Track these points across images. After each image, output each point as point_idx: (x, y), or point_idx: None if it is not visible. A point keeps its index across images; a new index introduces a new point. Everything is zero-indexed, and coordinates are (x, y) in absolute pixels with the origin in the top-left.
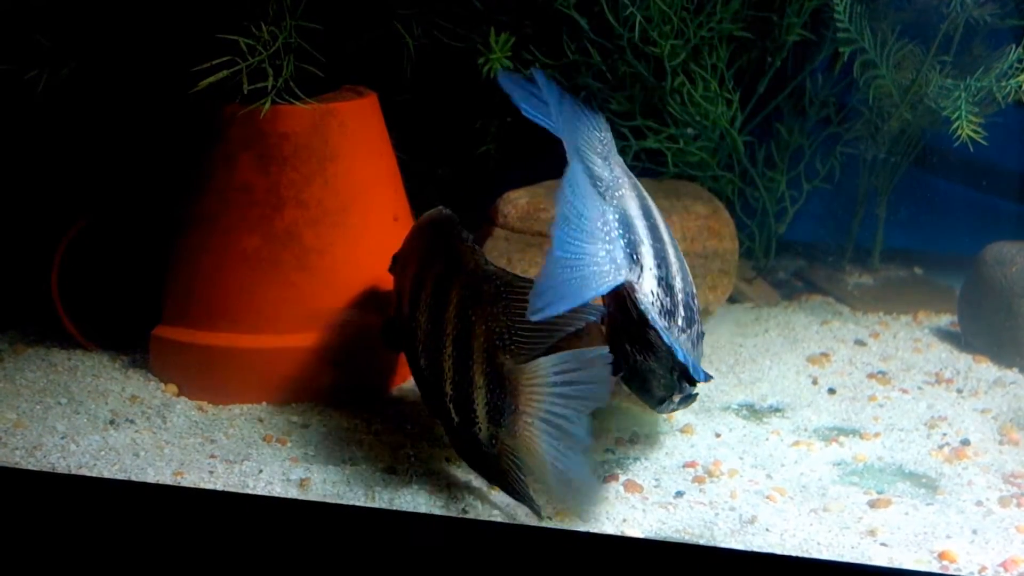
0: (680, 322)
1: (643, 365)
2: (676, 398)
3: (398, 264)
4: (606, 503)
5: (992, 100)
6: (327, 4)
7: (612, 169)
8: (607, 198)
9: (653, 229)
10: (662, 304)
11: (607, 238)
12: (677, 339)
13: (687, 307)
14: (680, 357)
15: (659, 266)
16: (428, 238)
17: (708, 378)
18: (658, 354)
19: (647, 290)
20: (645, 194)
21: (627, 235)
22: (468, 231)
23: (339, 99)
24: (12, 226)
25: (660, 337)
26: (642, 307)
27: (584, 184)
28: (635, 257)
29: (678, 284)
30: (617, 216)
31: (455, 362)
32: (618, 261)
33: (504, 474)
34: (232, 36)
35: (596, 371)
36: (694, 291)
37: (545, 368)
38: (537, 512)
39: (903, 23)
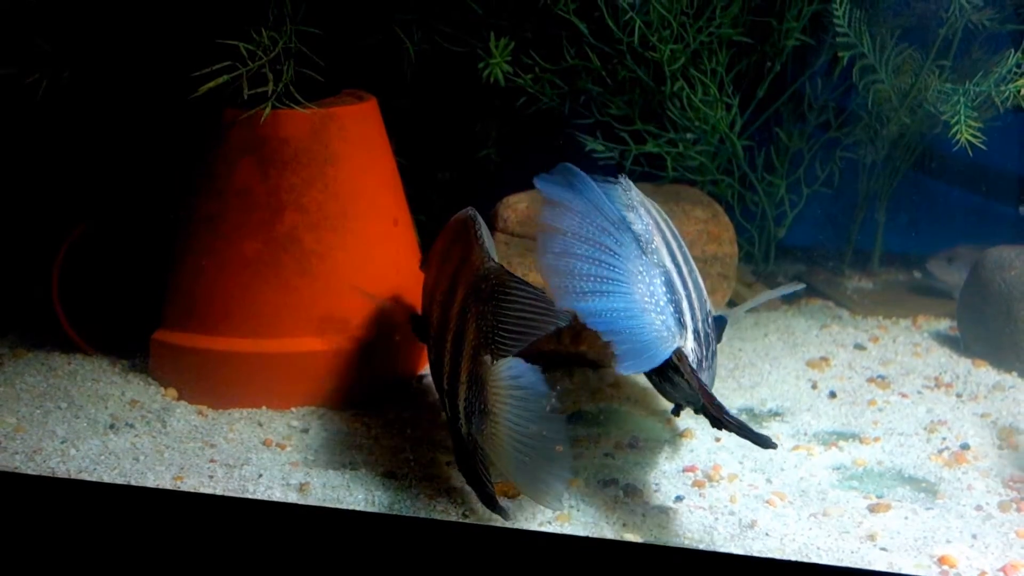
0: (705, 364)
1: (660, 386)
2: (692, 409)
3: (428, 262)
4: (605, 507)
5: (991, 104)
6: (327, 9)
7: (642, 216)
8: (647, 253)
9: (679, 271)
10: (697, 357)
11: (657, 308)
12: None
13: (707, 337)
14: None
15: (693, 317)
16: (448, 236)
17: (767, 445)
18: (675, 382)
19: (689, 349)
20: (664, 226)
21: (673, 297)
22: (489, 231)
23: (339, 103)
24: (13, 230)
25: (711, 406)
26: (696, 377)
27: (634, 263)
28: (681, 320)
29: (700, 322)
30: (663, 278)
31: (451, 357)
32: (672, 328)
33: (474, 473)
34: (232, 41)
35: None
36: (709, 309)
37: (500, 370)
38: (502, 515)
39: (902, 27)
